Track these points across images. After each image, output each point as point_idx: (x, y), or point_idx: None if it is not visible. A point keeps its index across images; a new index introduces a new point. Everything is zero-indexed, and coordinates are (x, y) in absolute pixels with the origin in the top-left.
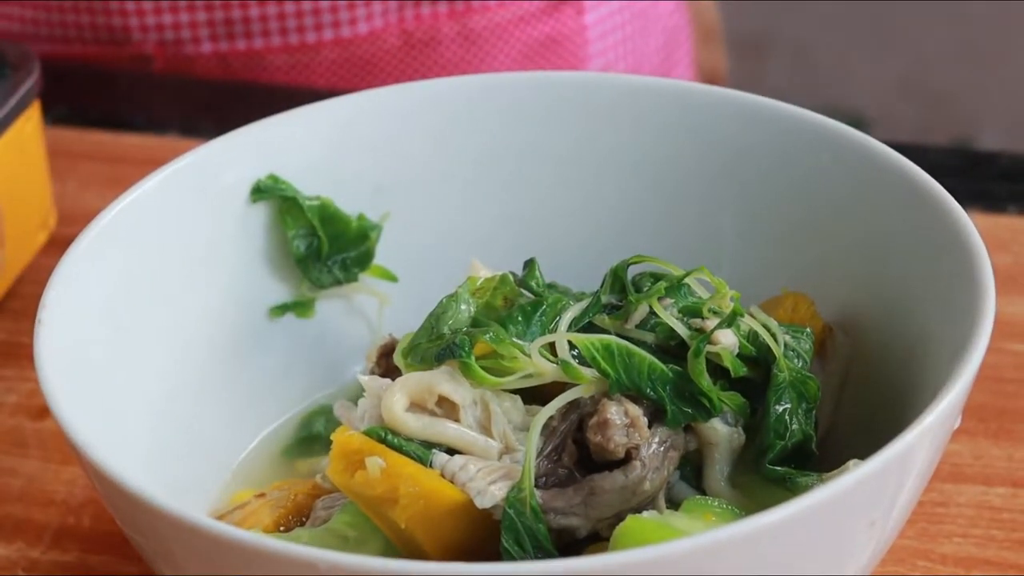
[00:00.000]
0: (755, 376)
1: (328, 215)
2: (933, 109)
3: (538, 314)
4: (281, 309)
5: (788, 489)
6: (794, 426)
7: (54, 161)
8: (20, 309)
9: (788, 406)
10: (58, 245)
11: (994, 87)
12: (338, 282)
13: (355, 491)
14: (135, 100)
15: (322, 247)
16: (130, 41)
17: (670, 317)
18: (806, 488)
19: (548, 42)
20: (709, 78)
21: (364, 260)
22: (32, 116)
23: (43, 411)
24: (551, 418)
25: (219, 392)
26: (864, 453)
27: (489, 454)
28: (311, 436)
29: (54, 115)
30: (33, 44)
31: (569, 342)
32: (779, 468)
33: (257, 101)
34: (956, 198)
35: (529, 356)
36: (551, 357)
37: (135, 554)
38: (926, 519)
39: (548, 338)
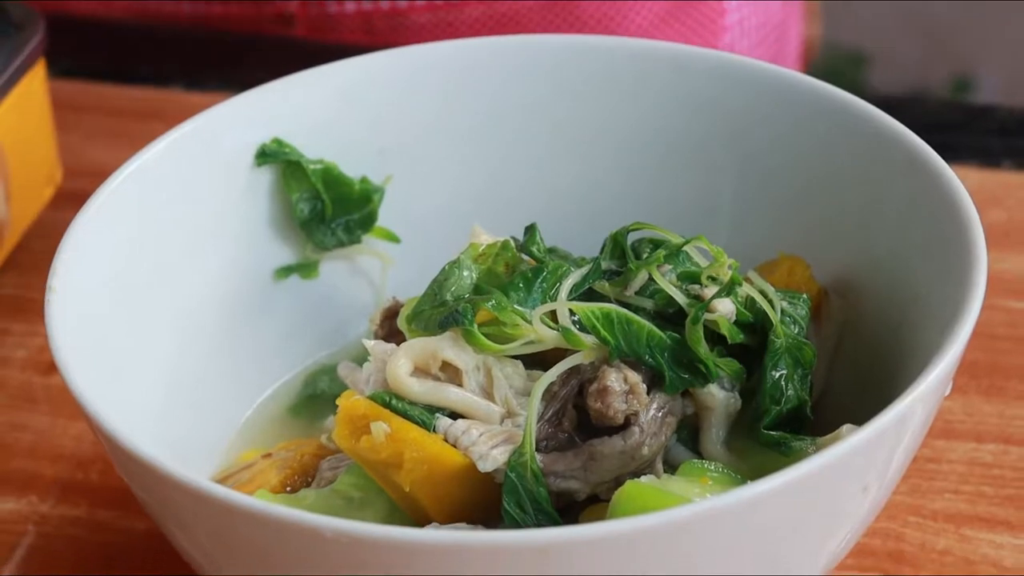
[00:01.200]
0: (752, 342)
1: (332, 178)
2: (933, 45)
3: (539, 280)
4: (286, 271)
5: (783, 453)
6: (789, 392)
7: (58, 114)
8: (28, 263)
9: (784, 372)
10: (64, 199)
11: (995, 23)
12: (341, 244)
13: (360, 455)
14: (139, 53)
15: (326, 210)
16: None
17: (669, 285)
18: (800, 452)
19: None
20: (806, 45)
21: (367, 222)
22: (38, 74)
23: (52, 366)
24: (552, 383)
25: (225, 352)
26: (858, 415)
27: (491, 418)
28: (316, 395)
29: (58, 68)
30: (176, 3)
31: (570, 309)
32: (774, 433)
33: (261, 56)
34: (951, 153)
35: (530, 323)
36: (552, 324)
37: (144, 510)
38: (918, 475)
39: (549, 306)
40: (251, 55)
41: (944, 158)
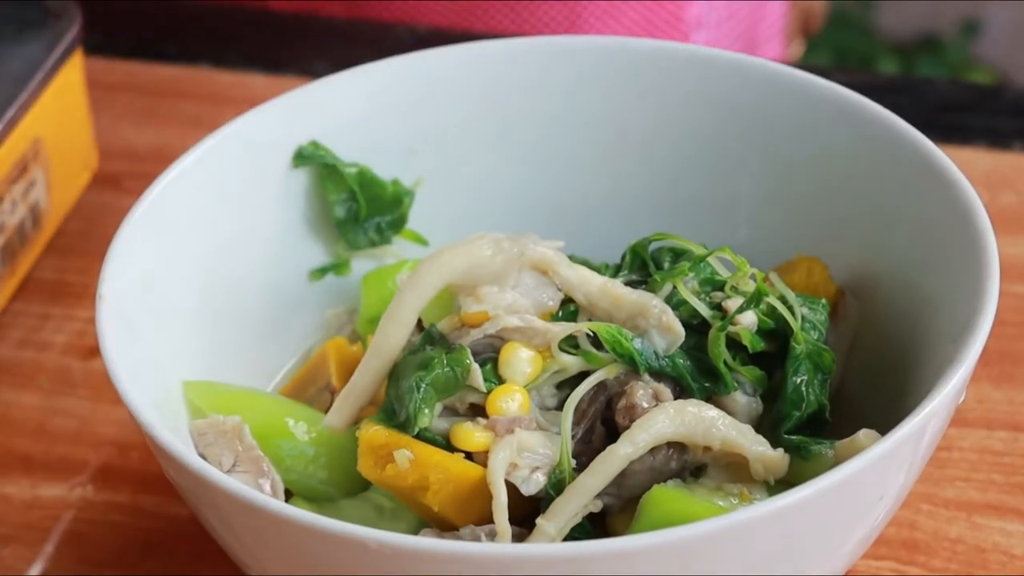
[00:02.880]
0: (772, 348)
1: (366, 180)
2: None
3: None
4: (321, 272)
5: (802, 457)
6: (810, 397)
7: (89, 92)
8: (66, 247)
9: (804, 378)
10: (98, 180)
11: None
12: (373, 244)
13: (387, 483)
14: (167, 30)
15: (360, 211)
16: None
17: (693, 299)
18: (819, 456)
19: None
20: (806, 16)
21: (398, 224)
22: (75, 64)
23: (91, 351)
24: (580, 401)
25: (267, 345)
26: (871, 414)
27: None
28: None
29: (88, 45)
30: None
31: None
32: (794, 437)
33: (287, 33)
34: (962, 134)
35: (553, 356)
36: (572, 351)
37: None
38: (931, 463)
39: (570, 328)
40: (277, 32)
41: (954, 140)
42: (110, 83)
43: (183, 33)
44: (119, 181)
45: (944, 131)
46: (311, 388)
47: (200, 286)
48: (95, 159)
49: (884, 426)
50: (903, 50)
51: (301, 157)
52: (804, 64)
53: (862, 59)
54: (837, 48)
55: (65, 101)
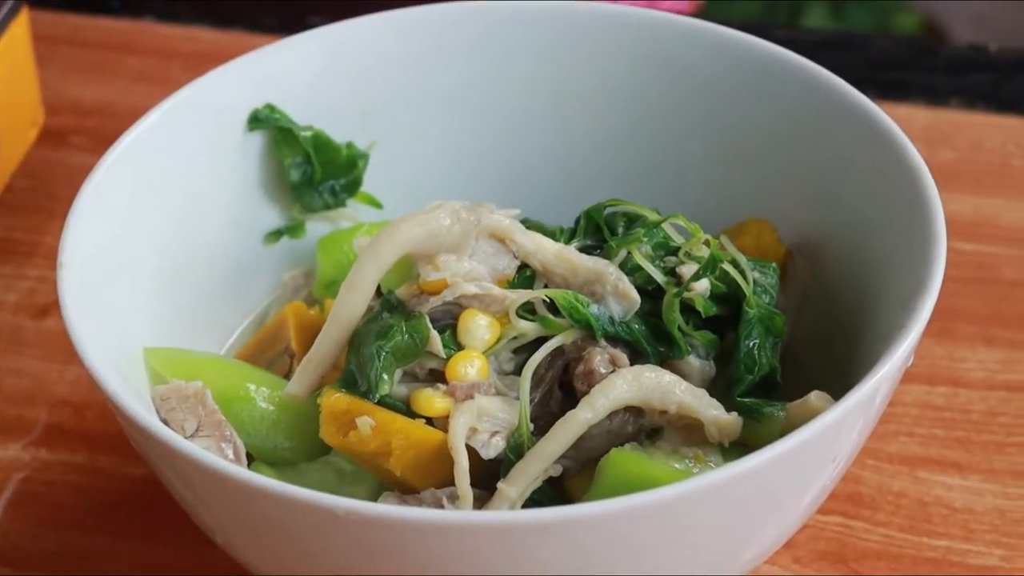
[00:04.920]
0: (724, 312)
1: (320, 143)
2: None
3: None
4: (275, 235)
5: (755, 419)
6: (762, 360)
7: (33, 47)
8: (13, 203)
9: (756, 341)
10: (44, 136)
11: None
12: (327, 207)
13: (350, 448)
14: None
15: (315, 174)
16: None
17: (649, 265)
18: (771, 417)
19: None
20: None
21: (352, 187)
22: (21, 21)
23: (43, 310)
24: (538, 366)
25: (223, 309)
26: (821, 373)
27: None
28: None
29: None
30: None
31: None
32: (747, 400)
33: None
34: (900, 91)
35: (511, 322)
36: (530, 317)
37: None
38: None
39: (527, 295)
40: None
41: (892, 97)
42: (54, 37)
43: None
44: (65, 137)
45: (882, 88)
46: (269, 351)
47: (157, 251)
48: (41, 115)
49: (833, 386)
50: None
51: (256, 120)
52: (735, 20)
53: (791, 2)
54: None
55: (12, 58)
